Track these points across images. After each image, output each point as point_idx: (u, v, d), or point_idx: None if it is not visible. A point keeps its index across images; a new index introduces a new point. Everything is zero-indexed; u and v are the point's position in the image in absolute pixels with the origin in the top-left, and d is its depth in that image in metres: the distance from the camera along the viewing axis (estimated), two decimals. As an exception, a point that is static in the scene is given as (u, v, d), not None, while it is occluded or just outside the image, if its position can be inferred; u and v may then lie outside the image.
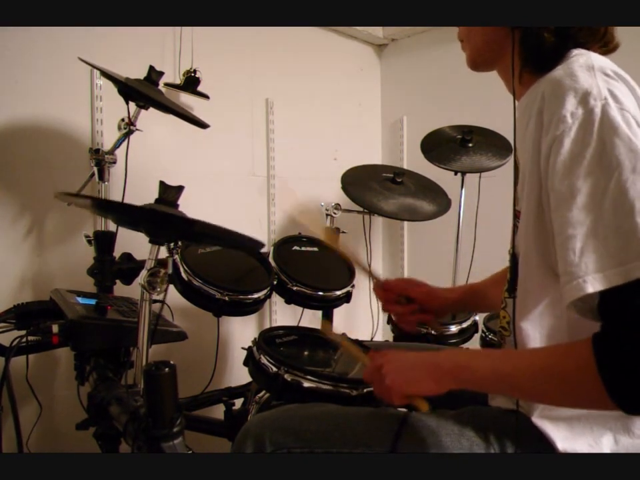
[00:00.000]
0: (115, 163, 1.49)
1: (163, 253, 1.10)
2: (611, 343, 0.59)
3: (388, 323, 1.72)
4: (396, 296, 1.10)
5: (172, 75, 1.83)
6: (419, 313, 1.09)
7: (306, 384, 1.06)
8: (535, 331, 0.76)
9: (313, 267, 1.73)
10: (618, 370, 0.58)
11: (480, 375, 0.72)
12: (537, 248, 0.73)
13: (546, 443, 0.74)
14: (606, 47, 0.79)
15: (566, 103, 0.65)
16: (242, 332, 2.06)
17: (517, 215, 0.80)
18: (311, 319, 1.84)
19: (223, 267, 1.51)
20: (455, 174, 1.97)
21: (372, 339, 2.17)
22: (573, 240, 0.62)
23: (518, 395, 0.75)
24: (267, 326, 2.13)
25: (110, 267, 1.44)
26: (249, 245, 1.17)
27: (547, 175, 0.67)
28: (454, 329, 1.61)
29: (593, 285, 0.59)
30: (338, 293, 1.63)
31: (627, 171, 0.60)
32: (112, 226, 1.52)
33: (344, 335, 1.09)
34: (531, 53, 0.78)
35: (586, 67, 0.68)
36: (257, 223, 2.19)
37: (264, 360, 1.12)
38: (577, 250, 0.61)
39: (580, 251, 0.61)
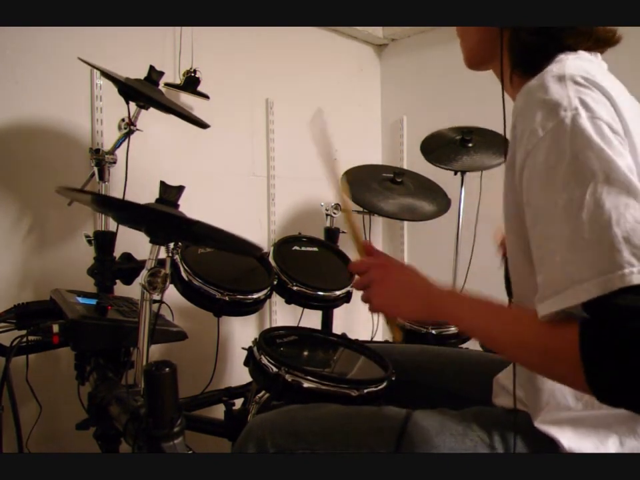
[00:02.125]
0: (115, 163, 1.49)
1: (164, 253, 1.10)
2: (597, 342, 0.58)
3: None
4: None
5: (172, 75, 1.83)
6: None
7: (306, 384, 1.06)
8: None
9: (313, 267, 1.73)
10: (600, 364, 0.58)
11: (466, 325, 0.74)
12: (523, 255, 0.72)
13: (551, 444, 0.73)
14: (605, 42, 0.78)
15: (536, 116, 0.65)
16: (242, 332, 2.06)
17: None
18: (311, 319, 1.84)
19: (223, 266, 1.51)
20: (455, 173, 1.97)
21: (372, 339, 2.17)
22: (552, 253, 0.62)
23: (497, 351, 0.75)
24: (267, 326, 2.13)
25: (110, 266, 1.44)
26: (248, 250, 1.17)
27: (522, 189, 0.67)
28: (454, 329, 1.61)
29: (575, 297, 0.59)
30: (338, 293, 1.63)
31: (601, 182, 0.59)
32: (112, 226, 1.52)
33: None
34: (515, 55, 0.78)
35: (557, 76, 0.67)
36: (257, 223, 2.19)
37: (264, 360, 1.12)
38: (557, 263, 0.61)
39: (560, 264, 0.61)
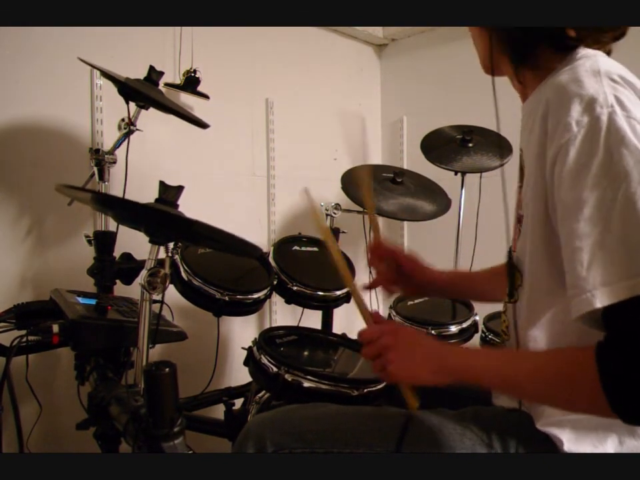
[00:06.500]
0: (115, 162, 1.49)
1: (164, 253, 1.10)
2: (614, 354, 0.59)
3: (388, 322, 1.72)
4: (385, 256, 1.05)
5: (172, 75, 1.83)
6: (401, 281, 1.05)
7: (306, 384, 1.06)
8: (543, 337, 0.75)
9: (313, 267, 1.73)
10: (618, 382, 0.58)
11: (484, 375, 0.72)
12: (545, 254, 0.72)
13: (550, 444, 0.73)
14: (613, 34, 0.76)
15: (571, 110, 0.64)
16: (242, 332, 2.06)
17: (519, 219, 0.79)
18: (311, 319, 1.84)
19: (223, 266, 1.51)
20: (455, 174, 1.96)
21: (372, 338, 2.16)
22: (580, 252, 0.61)
23: (521, 396, 0.75)
24: (267, 326, 2.13)
25: (110, 267, 1.44)
26: (246, 250, 1.17)
27: (553, 184, 0.66)
28: (454, 329, 1.61)
29: (601, 299, 0.58)
30: (338, 293, 1.63)
31: (634, 182, 0.59)
32: (112, 226, 1.52)
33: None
34: (505, 51, 0.78)
35: (592, 71, 0.67)
36: (257, 223, 2.19)
37: (264, 360, 1.12)
38: (585, 262, 0.60)
39: (587, 264, 0.60)
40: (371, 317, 0.88)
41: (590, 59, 0.71)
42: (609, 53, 0.80)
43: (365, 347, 0.81)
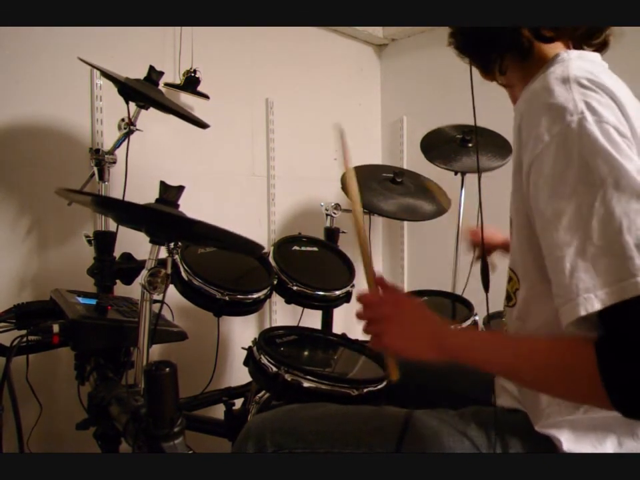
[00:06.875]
0: (115, 162, 1.49)
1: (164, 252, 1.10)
2: (613, 351, 0.59)
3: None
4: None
5: (172, 75, 1.83)
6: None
7: (306, 384, 1.06)
8: None
9: (313, 267, 1.73)
10: (617, 378, 0.58)
11: (481, 358, 0.71)
12: (534, 261, 0.71)
13: (550, 444, 0.73)
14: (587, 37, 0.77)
15: (541, 121, 0.64)
16: (242, 332, 2.06)
17: (511, 222, 0.80)
18: (311, 319, 1.84)
19: (223, 266, 1.51)
20: (455, 174, 1.96)
21: (372, 338, 2.17)
22: (562, 261, 0.61)
23: (519, 381, 0.74)
24: (267, 326, 2.13)
25: (110, 267, 1.44)
26: (249, 248, 1.17)
27: (529, 194, 0.67)
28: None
29: (585, 306, 0.58)
30: (338, 292, 1.63)
31: (610, 188, 0.59)
32: (112, 226, 1.52)
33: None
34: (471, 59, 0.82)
35: (561, 78, 0.66)
36: (257, 222, 2.19)
37: (264, 360, 1.12)
38: (567, 271, 0.60)
39: (570, 272, 0.60)
40: (374, 281, 0.84)
41: (563, 64, 0.71)
42: (603, 46, 0.79)
43: (363, 308, 0.79)
